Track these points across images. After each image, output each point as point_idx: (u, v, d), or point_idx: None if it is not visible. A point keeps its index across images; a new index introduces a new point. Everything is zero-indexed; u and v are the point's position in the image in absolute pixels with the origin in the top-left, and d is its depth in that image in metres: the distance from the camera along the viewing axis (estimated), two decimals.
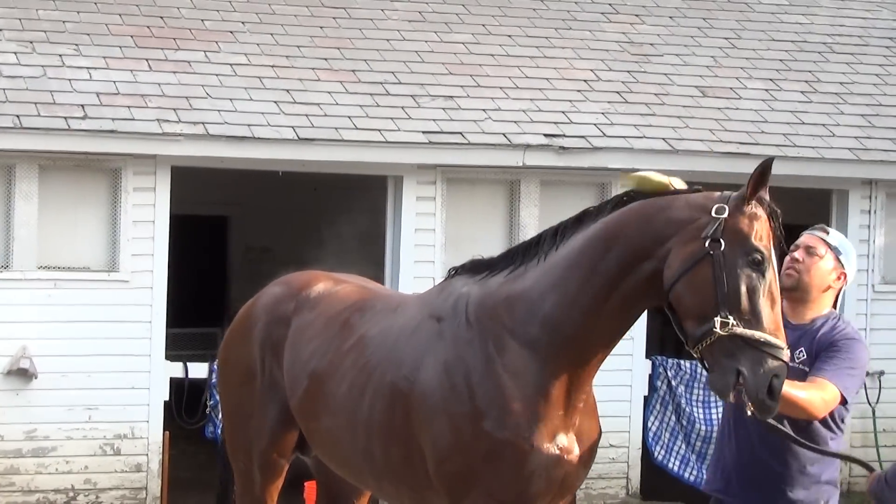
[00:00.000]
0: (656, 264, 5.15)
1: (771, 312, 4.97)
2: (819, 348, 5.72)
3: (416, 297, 6.17)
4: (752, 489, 5.72)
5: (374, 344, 5.91)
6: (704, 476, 8.70)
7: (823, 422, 5.67)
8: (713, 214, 5.05)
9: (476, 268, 5.73)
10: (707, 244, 5.00)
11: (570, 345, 5.32)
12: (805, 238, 5.94)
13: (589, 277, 5.26)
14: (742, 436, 5.74)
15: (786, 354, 4.97)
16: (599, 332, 5.32)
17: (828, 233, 5.94)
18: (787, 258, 5.81)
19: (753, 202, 5.08)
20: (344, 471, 6.26)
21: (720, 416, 6.39)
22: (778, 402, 4.95)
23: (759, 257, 5.00)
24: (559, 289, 5.33)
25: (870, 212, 12.96)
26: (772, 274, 5.03)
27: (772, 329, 4.94)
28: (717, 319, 4.92)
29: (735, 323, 4.91)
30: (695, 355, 5.07)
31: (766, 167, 5.07)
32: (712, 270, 4.98)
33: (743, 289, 4.96)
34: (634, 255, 5.19)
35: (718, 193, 5.16)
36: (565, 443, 5.39)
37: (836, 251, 5.87)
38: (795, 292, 5.81)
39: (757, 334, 4.91)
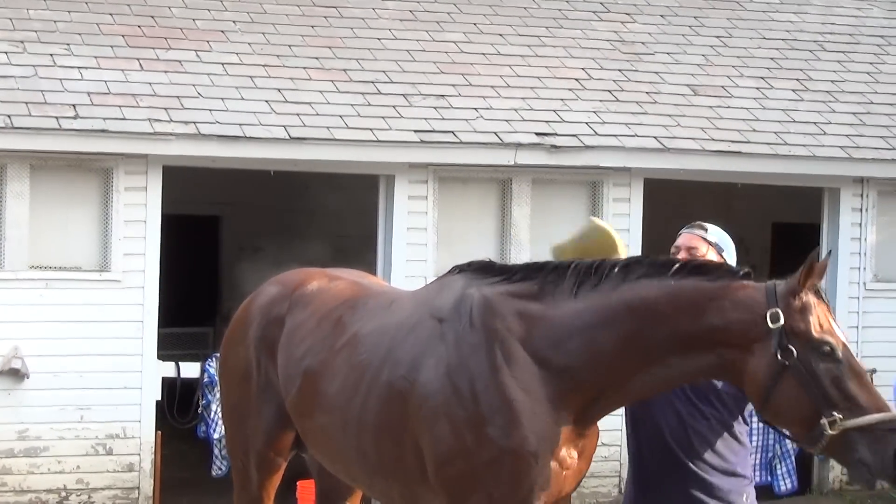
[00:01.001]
0: (716, 360, 5.11)
1: (863, 389, 4.97)
2: None
3: (412, 295, 6.11)
4: (671, 487, 5.65)
5: (367, 342, 5.87)
6: None
7: (742, 419, 5.71)
8: (770, 324, 4.99)
9: (484, 270, 5.62)
10: (780, 356, 4.97)
11: (591, 388, 5.28)
12: (684, 238, 5.80)
13: (627, 347, 5.19)
14: (654, 438, 5.68)
15: None
16: (629, 388, 5.29)
17: (706, 229, 5.80)
18: None
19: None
20: (337, 468, 6.26)
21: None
22: None
23: (829, 348, 4.98)
24: (587, 337, 5.23)
25: (861, 210, 12.97)
26: (846, 353, 5.01)
27: (872, 405, 4.95)
28: (824, 421, 4.92)
29: (840, 417, 4.91)
30: (815, 454, 5.08)
31: (813, 261, 5.00)
32: (797, 380, 4.97)
33: (831, 384, 4.95)
34: (685, 344, 5.13)
35: (763, 288, 5.07)
36: (568, 458, 5.37)
37: (717, 247, 5.75)
38: None
39: (865, 420, 4.92)
